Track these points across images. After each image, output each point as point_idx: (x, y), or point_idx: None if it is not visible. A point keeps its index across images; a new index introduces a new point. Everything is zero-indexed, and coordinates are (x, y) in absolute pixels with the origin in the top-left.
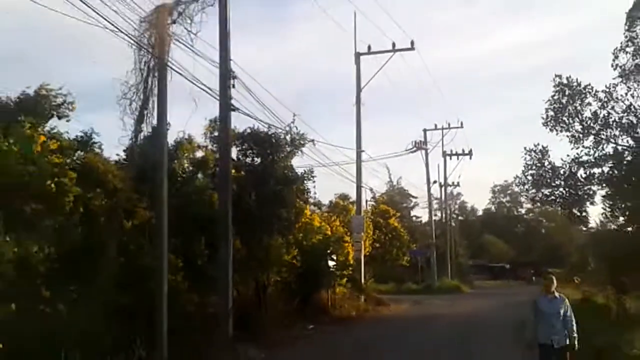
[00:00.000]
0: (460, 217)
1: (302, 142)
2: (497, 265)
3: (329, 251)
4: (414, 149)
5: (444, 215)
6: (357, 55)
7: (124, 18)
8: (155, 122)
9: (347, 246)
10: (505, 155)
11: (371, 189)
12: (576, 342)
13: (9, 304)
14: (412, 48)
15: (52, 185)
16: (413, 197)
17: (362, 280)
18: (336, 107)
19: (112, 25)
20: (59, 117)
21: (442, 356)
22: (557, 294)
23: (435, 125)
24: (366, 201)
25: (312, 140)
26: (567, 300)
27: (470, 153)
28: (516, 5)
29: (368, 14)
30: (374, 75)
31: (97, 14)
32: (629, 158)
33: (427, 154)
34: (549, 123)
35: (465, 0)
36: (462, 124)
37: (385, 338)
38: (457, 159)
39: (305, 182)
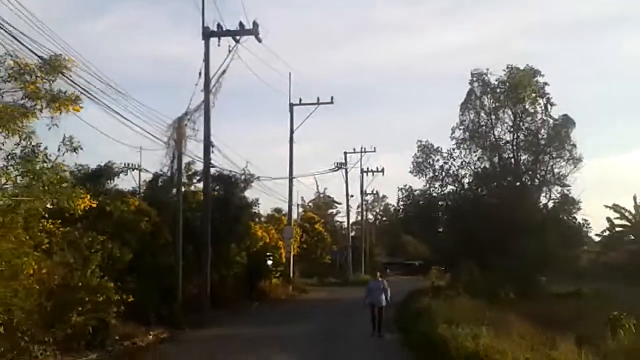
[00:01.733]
0: (384, 218)
1: (251, 179)
2: (410, 262)
3: (268, 254)
4: (336, 168)
5: (363, 220)
6: (291, 106)
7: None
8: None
9: (280, 249)
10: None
11: (302, 198)
12: (389, 303)
13: (117, 282)
14: (331, 102)
15: (143, 225)
16: (337, 203)
17: (291, 275)
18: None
19: (153, 135)
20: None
21: (333, 313)
22: (380, 279)
23: (354, 149)
24: (297, 205)
25: (258, 177)
26: (385, 282)
27: (382, 170)
28: (459, 6)
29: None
30: (302, 122)
31: (146, 132)
32: (457, 198)
33: (346, 172)
34: (414, 171)
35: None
36: (375, 149)
37: (302, 308)
38: (373, 175)
39: (252, 207)
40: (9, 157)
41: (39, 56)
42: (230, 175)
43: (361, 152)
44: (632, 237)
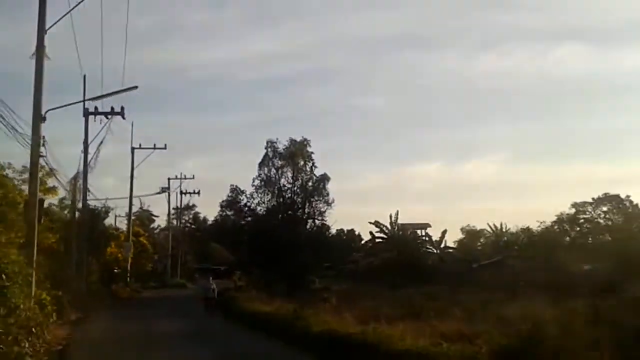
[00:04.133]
0: (193, 226)
1: (108, 211)
2: (217, 267)
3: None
4: (161, 191)
5: (181, 233)
6: (132, 150)
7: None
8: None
9: (121, 260)
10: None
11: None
12: (216, 295)
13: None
14: (164, 148)
15: (60, 246)
16: (155, 216)
17: (128, 280)
18: None
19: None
20: None
21: (172, 304)
22: (211, 280)
23: (176, 176)
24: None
25: (113, 208)
26: (214, 283)
27: (199, 192)
28: (264, 14)
29: None
30: (143, 160)
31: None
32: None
33: (169, 195)
34: (223, 206)
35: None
36: (194, 176)
37: (148, 302)
38: (190, 196)
39: (109, 231)
40: None
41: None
42: (95, 209)
43: (181, 178)
44: (387, 247)
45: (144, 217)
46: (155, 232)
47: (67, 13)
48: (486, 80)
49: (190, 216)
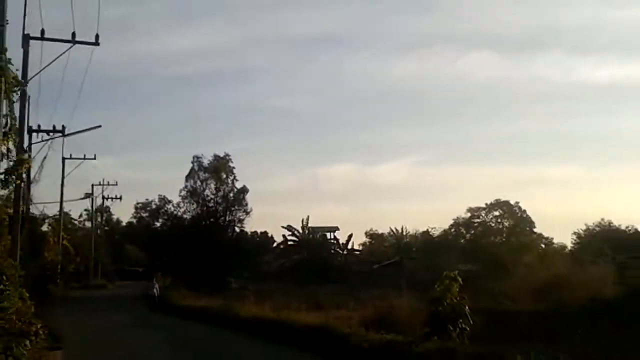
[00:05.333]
0: (106, 228)
1: (45, 219)
2: (133, 268)
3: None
4: (85, 197)
5: (103, 237)
6: (63, 160)
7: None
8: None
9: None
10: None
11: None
12: (159, 293)
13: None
14: (94, 158)
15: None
16: (75, 220)
17: (58, 281)
18: None
19: None
20: None
21: (109, 301)
22: (155, 281)
23: (99, 182)
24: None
25: (50, 216)
26: (158, 283)
27: (120, 198)
28: (183, 10)
29: None
30: (73, 169)
31: None
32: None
33: (92, 200)
34: (153, 213)
35: None
36: (117, 182)
37: (85, 298)
38: (112, 201)
39: (46, 237)
40: None
41: None
42: (36, 215)
43: (104, 185)
44: (298, 250)
45: (67, 221)
46: (77, 235)
47: (44, 68)
48: (401, 83)
49: (104, 218)
